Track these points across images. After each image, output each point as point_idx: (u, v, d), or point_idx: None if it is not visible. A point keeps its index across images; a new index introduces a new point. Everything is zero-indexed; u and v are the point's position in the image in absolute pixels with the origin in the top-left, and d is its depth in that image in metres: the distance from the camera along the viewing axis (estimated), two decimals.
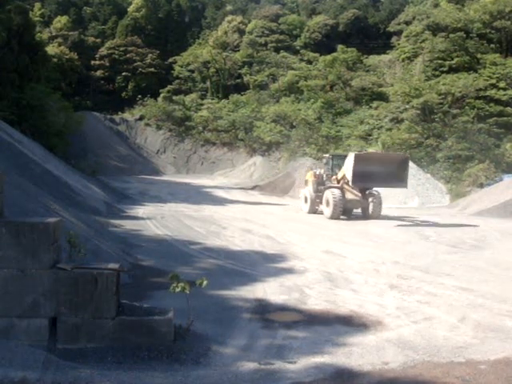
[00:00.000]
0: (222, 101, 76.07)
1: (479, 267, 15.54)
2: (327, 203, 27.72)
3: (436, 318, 10.13)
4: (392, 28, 72.79)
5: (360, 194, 28.01)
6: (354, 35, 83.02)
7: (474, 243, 20.20)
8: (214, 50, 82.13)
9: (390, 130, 50.47)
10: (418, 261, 16.37)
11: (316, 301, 11.23)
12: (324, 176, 30.30)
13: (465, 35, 55.77)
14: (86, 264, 8.40)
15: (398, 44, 66.55)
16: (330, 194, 27.33)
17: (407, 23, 68.06)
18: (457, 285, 13.00)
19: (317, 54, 74.50)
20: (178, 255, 16.15)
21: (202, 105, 77.16)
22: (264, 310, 10.46)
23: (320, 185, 29.62)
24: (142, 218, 25.38)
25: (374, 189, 28.46)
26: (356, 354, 8.21)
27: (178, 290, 7.85)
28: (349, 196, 27.89)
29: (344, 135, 55.17)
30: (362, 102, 59.27)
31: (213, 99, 78.38)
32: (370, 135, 52.65)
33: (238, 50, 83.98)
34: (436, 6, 66.73)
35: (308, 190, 30.48)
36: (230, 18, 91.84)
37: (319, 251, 17.56)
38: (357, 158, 25.78)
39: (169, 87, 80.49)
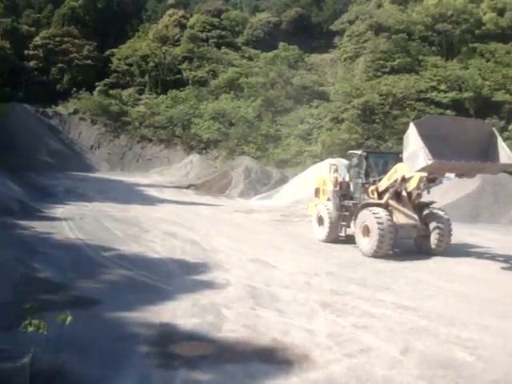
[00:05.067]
0: (161, 96, 73.86)
1: (422, 279, 14.08)
2: (365, 231, 17.63)
3: (374, 350, 8.48)
4: (335, 27, 71.93)
5: (417, 216, 18.13)
6: (297, 34, 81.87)
7: (414, 249, 18.75)
8: (153, 44, 79.77)
9: (330, 129, 49.40)
10: (354, 271, 14.82)
11: (233, 325, 9.42)
12: (351, 185, 20.33)
13: (407, 37, 55.42)
14: None
15: (341, 44, 65.73)
16: (372, 217, 17.19)
17: (350, 22, 67.29)
18: (398, 302, 11.44)
19: (258, 51, 73.00)
20: (83, 264, 14.09)
21: (139, 100, 74.86)
22: (167, 340, 8.56)
23: (346, 198, 20.03)
24: (59, 219, 23.04)
25: (438, 208, 19.08)
26: None
27: (30, 329, 5.86)
28: (400, 219, 17.77)
29: (283, 134, 53.87)
30: (303, 101, 58.03)
31: (151, 94, 76.03)
32: (309, 135, 51.51)
33: (179, 45, 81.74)
34: (379, 6, 66.35)
35: (324, 207, 20.51)
36: (171, 11, 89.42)
37: (246, 259, 15.78)
38: (420, 125, 15.10)
39: (106, 81, 77.60)
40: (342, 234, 19.78)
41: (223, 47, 78.91)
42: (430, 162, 14.17)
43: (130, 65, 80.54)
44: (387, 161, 19.83)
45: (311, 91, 58.50)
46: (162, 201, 34.78)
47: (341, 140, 45.43)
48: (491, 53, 50.15)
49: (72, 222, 22.26)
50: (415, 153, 14.81)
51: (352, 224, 18.97)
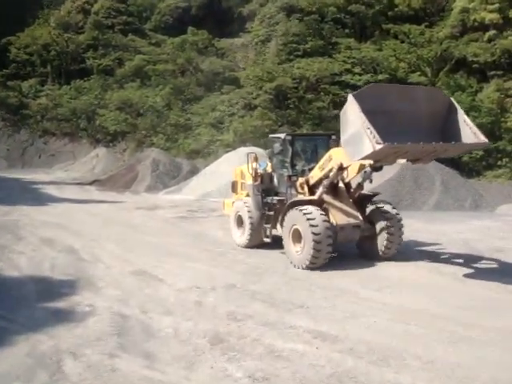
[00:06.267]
0: (64, 87, 69.22)
1: (343, 289, 11.47)
2: (295, 236, 13.90)
3: None
4: (246, 10, 69.26)
5: (359, 214, 14.42)
6: (207, 19, 78.77)
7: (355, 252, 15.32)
8: (54, 31, 74.75)
9: (242, 117, 46.80)
10: (261, 281, 12.04)
11: None
12: (275, 177, 16.28)
13: (320, 18, 53.36)
14: None
15: (252, 27, 63.12)
16: (304, 219, 13.40)
17: (261, 5, 64.69)
18: (314, 328, 8.73)
19: (166, 37, 69.52)
20: None
21: (41, 91, 70.00)
22: None
23: (269, 194, 16.08)
24: None
25: (384, 201, 15.19)
26: None
27: None
28: (339, 218, 14.08)
29: (194, 123, 50.89)
30: (214, 88, 55.12)
31: (54, 85, 71.21)
32: (221, 123, 48.73)
33: (83, 32, 76.97)
34: None
35: (243, 205, 16.64)
36: None
37: (129, 272, 12.69)
38: (361, 98, 11.24)
39: (3, 71, 72.12)
40: (268, 240, 15.77)
41: (130, 34, 74.88)
42: (379, 147, 10.40)
43: (31, 54, 75.25)
44: (317, 145, 16.30)
45: (222, 77, 55.72)
46: (58, 200, 31.16)
47: (253, 127, 42.89)
48: (405, 34, 48.64)
49: None
50: (358, 135, 11.00)
51: (278, 226, 15.18)
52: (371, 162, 12.42)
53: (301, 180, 14.85)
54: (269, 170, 16.50)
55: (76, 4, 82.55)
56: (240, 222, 16.74)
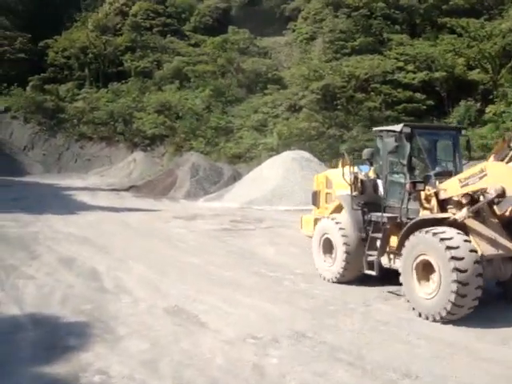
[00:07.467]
0: (101, 90, 67.42)
1: (460, 345, 8.28)
2: (421, 271, 9.76)
3: None
4: (289, 7, 66.49)
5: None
6: (248, 19, 76.40)
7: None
8: (92, 34, 73.17)
9: (286, 119, 44.07)
10: (342, 326, 8.90)
11: None
12: (381, 186, 11.87)
13: (368, 14, 50.34)
14: None
15: (295, 26, 60.26)
16: (440, 248, 9.15)
17: (306, 1, 61.87)
18: None
19: (205, 37, 67.20)
20: None
21: (78, 95, 68.35)
22: None
23: (372, 209, 11.67)
24: None
25: None
26: None
27: None
28: (485, 248, 9.53)
29: (235, 126, 48.20)
30: (256, 90, 52.43)
31: (91, 88, 69.51)
32: (264, 126, 46.03)
33: (120, 34, 75.29)
34: None
35: (333, 224, 12.32)
36: None
37: (162, 310, 9.64)
38: None
39: (42, 75, 70.73)
40: (373, 272, 11.20)
41: (168, 35, 72.97)
42: None
43: (68, 57, 73.84)
44: (440, 141, 11.99)
45: (265, 78, 53.10)
46: (90, 207, 28.66)
47: (299, 130, 40.11)
48: (463, 28, 45.00)
49: None
50: None
51: (386, 255, 11.12)
52: None
53: (428, 191, 10.49)
54: (371, 175, 12.34)
55: (114, 6, 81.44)
56: (328, 247, 12.43)
